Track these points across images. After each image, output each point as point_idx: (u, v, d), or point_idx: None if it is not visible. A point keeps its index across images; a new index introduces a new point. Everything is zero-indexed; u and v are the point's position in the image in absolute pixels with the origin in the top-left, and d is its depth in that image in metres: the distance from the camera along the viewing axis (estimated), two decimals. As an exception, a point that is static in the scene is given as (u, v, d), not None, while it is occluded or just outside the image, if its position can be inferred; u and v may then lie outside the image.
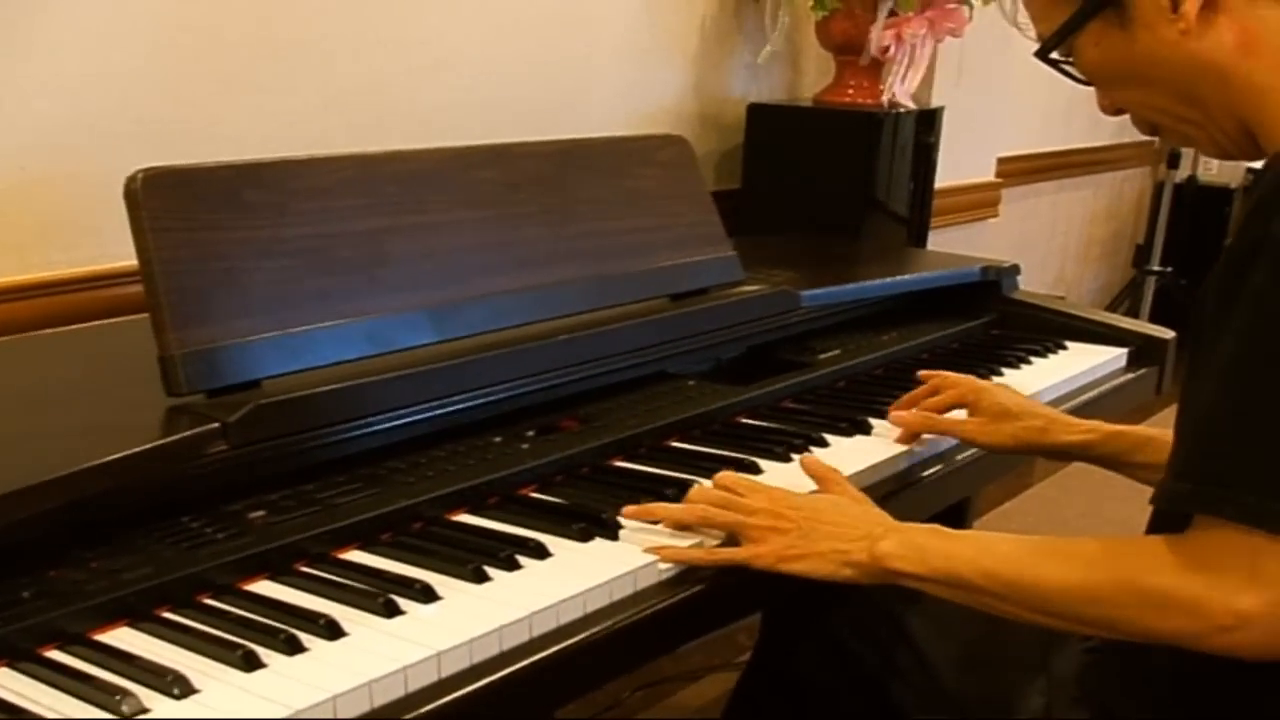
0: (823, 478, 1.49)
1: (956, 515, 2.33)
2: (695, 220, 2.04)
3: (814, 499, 1.42)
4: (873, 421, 1.80)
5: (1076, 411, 2.01)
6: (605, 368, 1.78)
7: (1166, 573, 1.14)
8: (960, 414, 1.76)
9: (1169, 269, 5.28)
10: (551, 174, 1.84)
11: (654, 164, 2.02)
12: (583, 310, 1.80)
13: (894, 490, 1.66)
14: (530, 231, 1.78)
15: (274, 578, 1.29)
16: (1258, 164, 1.26)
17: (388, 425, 1.52)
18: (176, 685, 1.06)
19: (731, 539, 1.39)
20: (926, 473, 1.73)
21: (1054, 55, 1.32)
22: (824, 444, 1.72)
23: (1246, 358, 1.11)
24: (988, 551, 1.28)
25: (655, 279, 1.93)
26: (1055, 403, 2.04)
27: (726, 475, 1.45)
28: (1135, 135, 5.39)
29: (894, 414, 1.75)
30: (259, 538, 1.31)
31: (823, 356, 2.07)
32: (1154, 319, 5.18)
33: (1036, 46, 1.34)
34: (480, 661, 1.17)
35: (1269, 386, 1.10)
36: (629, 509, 1.42)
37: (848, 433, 1.77)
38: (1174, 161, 5.12)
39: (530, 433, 1.63)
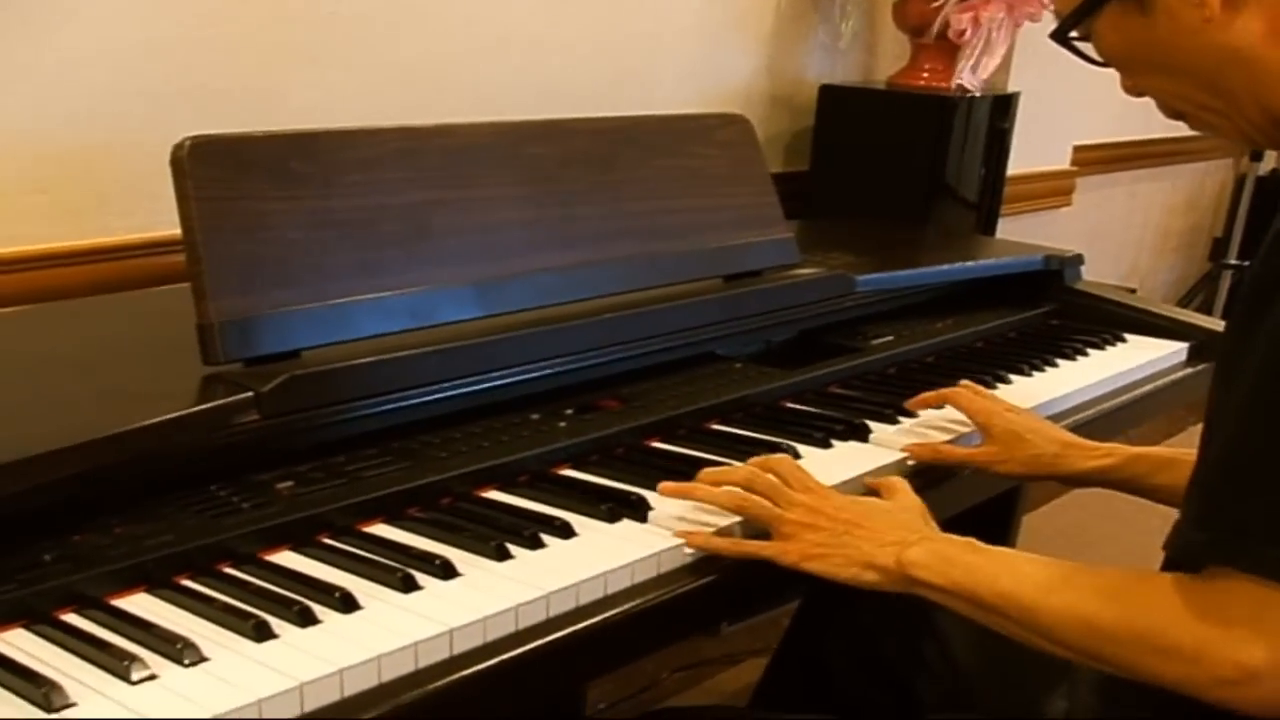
0: (886, 486, 1.46)
1: (1006, 507, 2.31)
2: (752, 201, 2.03)
3: (863, 503, 1.39)
4: (918, 410, 1.78)
5: (1133, 406, 1.99)
6: (650, 348, 1.77)
7: (1172, 618, 1.09)
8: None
9: (1246, 263, 5.18)
10: (604, 151, 1.83)
11: (713, 143, 2.00)
12: (631, 289, 1.79)
13: (936, 480, 1.63)
14: (580, 209, 1.77)
15: (296, 549, 1.29)
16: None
17: (423, 400, 1.52)
18: (186, 653, 1.06)
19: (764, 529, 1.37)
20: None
21: (1073, 35, 1.27)
22: (866, 431, 1.70)
23: (1266, 400, 1.05)
24: (1009, 571, 1.23)
25: (707, 259, 1.92)
26: (1111, 395, 2.01)
27: (782, 460, 1.43)
28: (1220, 126, 5.30)
29: (906, 446, 1.65)
30: (285, 508, 1.31)
31: (874, 342, 2.05)
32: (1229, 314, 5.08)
33: None
34: (494, 639, 1.16)
35: None
36: (665, 485, 1.41)
37: (891, 420, 1.74)
38: (1257, 155, 5.02)
39: (569, 411, 1.63)
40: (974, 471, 1.66)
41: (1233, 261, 5.19)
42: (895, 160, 2.95)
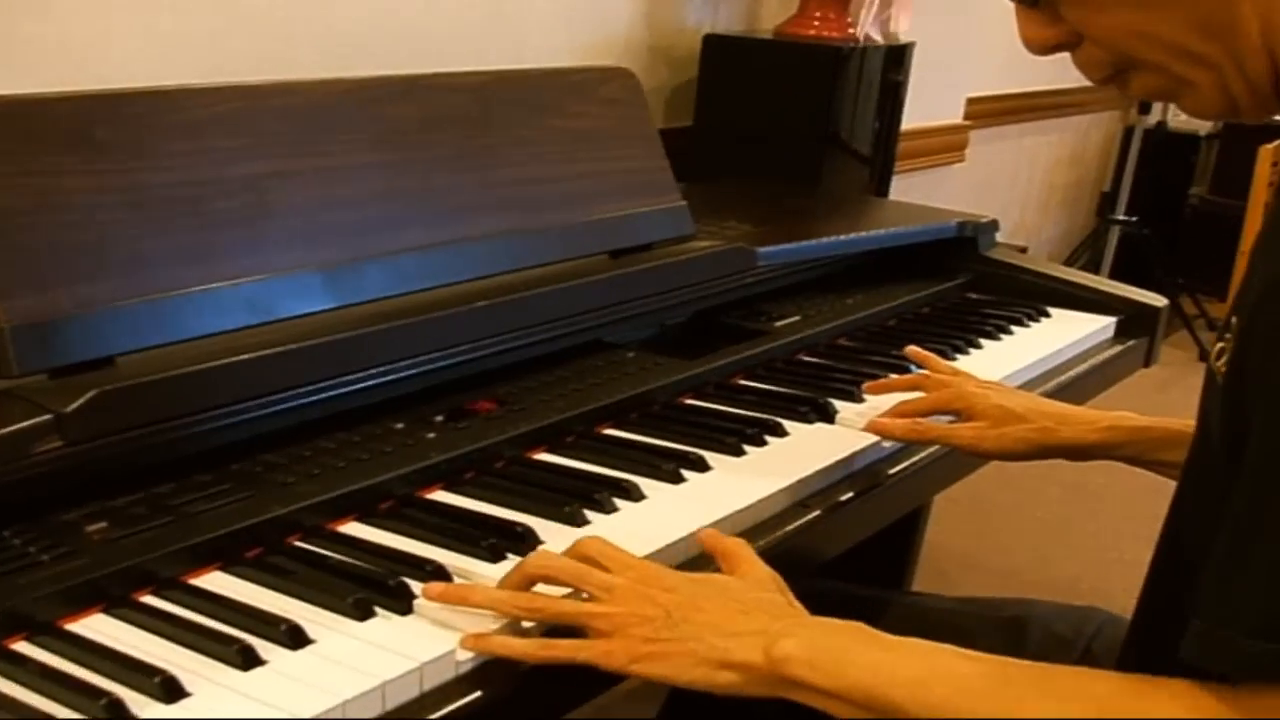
0: (726, 553, 1.14)
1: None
2: (641, 166, 1.80)
3: (701, 580, 1.08)
4: (837, 404, 1.57)
5: (1063, 390, 1.82)
6: (530, 338, 1.54)
7: None
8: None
9: (1134, 218, 5.07)
10: (474, 111, 1.59)
11: (595, 100, 1.77)
12: (507, 270, 1.55)
13: (864, 489, 1.43)
14: (446, 179, 1.53)
15: (109, 611, 1.04)
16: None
17: (266, 411, 1.27)
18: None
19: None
20: (900, 466, 1.50)
21: None
22: (781, 432, 1.49)
23: None
24: (939, 674, 0.95)
25: (592, 233, 1.69)
26: (1041, 379, 1.83)
27: (589, 542, 1.10)
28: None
29: (877, 421, 1.48)
30: (96, 559, 1.06)
31: (780, 324, 1.84)
32: (1116, 270, 4.99)
33: None
34: (357, 729, 0.94)
35: None
36: (432, 590, 1.06)
37: (808, 419, 1.53)
38: (1146, 106, 4.88)
39: (438, 418, 1.39)
40: (911, 474, 1.46)
41: (1120, 217, 5.06)
42: (784, 115, 2.74)
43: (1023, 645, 1.39)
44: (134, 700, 0.91)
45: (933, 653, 0.98)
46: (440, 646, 1.01)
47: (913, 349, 1.64)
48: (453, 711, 0.98)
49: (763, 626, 1.02)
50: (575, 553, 1.09)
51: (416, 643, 1.01)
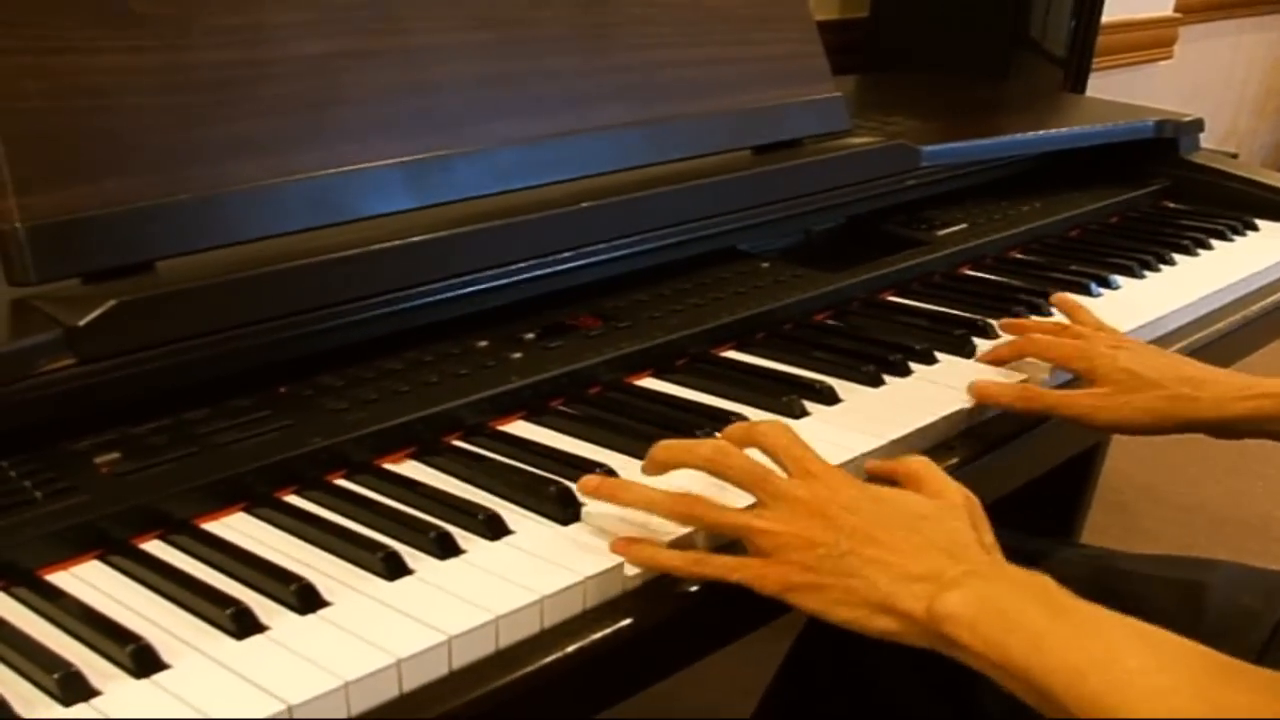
0: (909, 477, 0.99)
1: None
2: (789, 51, 1.59)
3: (882, 499, 0.93)
4: (1000, 328, 1.36)
5: (1266, 316, 1.57)
6: (648, 244, 1.36)
7: None
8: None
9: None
10: (588, -13, 1.40)
11: (737, -25, 1.57)
12: (625, 167, 1.37)
13: (1018, 431, 1.22)
14: (556, 61, 1.35)
15: (104, 558, 0.90)
16: None
17: (325, 326, 1.11)
18: None
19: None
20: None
21: None
22: (931, 359, 1.29)
23: None
24: (1105, 664, 0.77)
25: (729, 126, 1.50)
26: (1240, 302, 1.58)
27: (772, 429, 0.97)
28: (1338, -34, 4.79)
29: (982, 384, 1.22)
30: (98, 496, 0.91)
31: (942, 233, 1.62)
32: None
33: None
34: (359, 715, 0.78)
35: None
36: (587, 480, 0.96)
37: (962, 345, 1.32)
38: (1381, 0, 4.49)
39: (530, 335, 1.22)
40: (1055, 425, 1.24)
41: (1346, 123, 4.67)
42: (969, 4, 2.52)
43: (1200, 615, 1.17)
44: (97, 671, 0.77)
45: (1105, 632, 0.80)
46: (471, 617, 0.83)
47: (1060, 296, 1.41)
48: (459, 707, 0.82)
49: (936, 571, 0.86)
50: (755, 439, 0.97)
51: (449, 611, 0.84)
